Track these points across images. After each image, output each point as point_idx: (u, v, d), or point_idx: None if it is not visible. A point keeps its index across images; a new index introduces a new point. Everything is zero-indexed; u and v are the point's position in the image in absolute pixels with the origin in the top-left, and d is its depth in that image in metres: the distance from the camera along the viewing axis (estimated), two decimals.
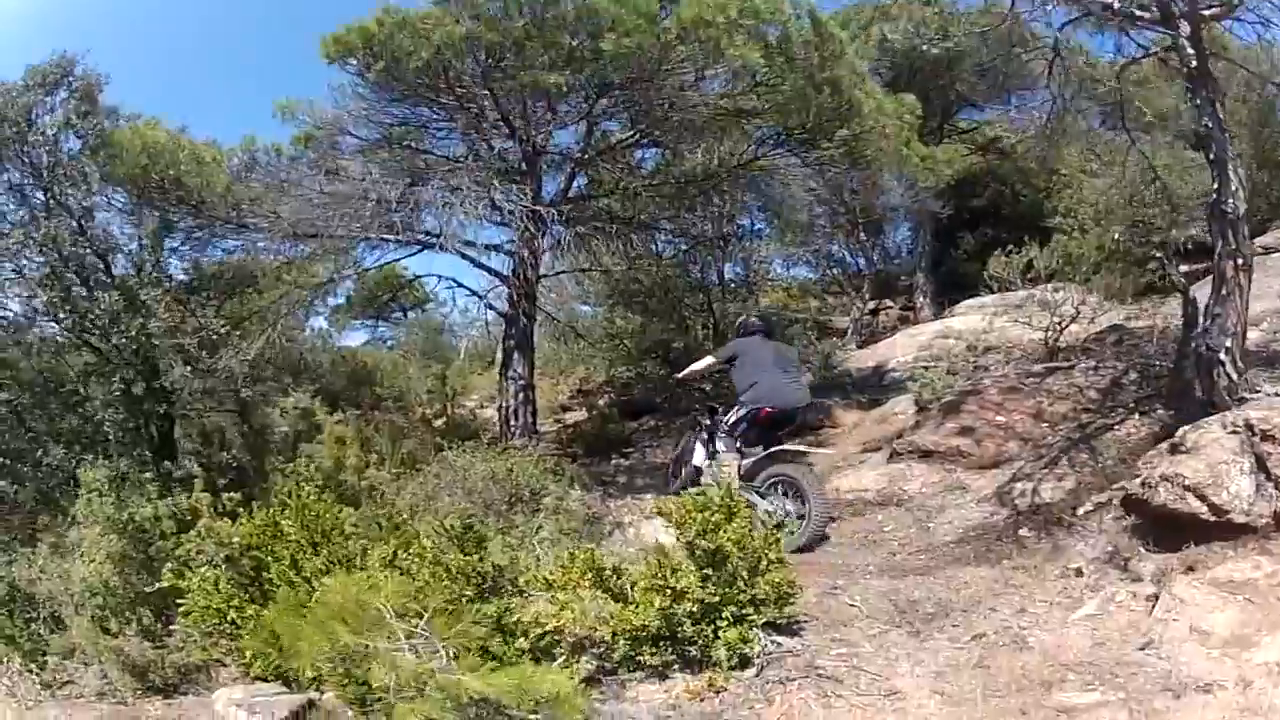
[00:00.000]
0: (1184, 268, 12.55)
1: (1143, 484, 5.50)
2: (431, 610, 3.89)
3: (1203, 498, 5.02)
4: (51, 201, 9.65)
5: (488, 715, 3.47)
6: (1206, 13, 6.86)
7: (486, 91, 9.86)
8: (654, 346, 14.84)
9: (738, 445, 7.70)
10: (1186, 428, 5.62)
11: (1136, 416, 7.51)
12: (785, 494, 7.18)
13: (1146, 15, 7.11)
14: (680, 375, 8.97)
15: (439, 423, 14.06)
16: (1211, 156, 6.67)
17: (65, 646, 5.55)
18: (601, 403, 15.69)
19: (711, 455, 7.89)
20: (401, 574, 4.40)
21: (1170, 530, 5.18)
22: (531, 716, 3.45)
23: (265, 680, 4.67)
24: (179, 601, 5.26)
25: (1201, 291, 7.10)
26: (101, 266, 9.93)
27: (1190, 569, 4.79)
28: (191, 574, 5.30)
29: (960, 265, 18.18)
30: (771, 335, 8.48)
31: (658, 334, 14.82)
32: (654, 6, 8.56)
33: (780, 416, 7.65)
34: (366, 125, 10.57)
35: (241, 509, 6.03)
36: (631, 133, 11.17)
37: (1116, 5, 7.03)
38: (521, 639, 4.35)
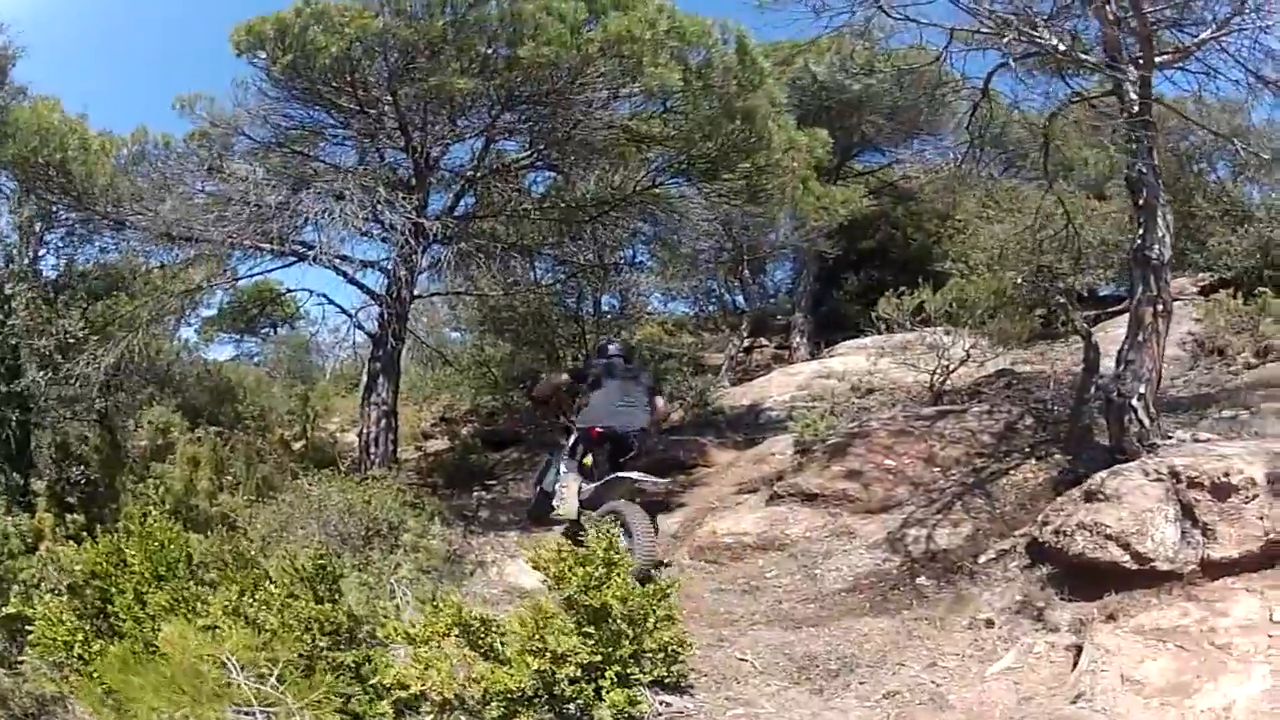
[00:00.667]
0: (1080, 314, 12.99)
1: (1056, 532, 5.40)
2: (282, 664, 3.44)
3: (1126, 546, 4.94)
4: None
5: None
6: (1159, 59, 6.97)
7: (390, 96, 9.56)
8: (522, 376, 14.53)
9: (578, 469, 7.85)
10: (1103, 474, 5.55)
11: (1033, 461, 7.40)
12: (619, 526, 6.88)
13: (1092, 60, 7.23)
14: (534, 392, 9.25)
15: (299, 445, 13.67)
16: (1141, 202, 6.73)
17: None
18: (465, 432, 15.31)
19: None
20: (247, 623, 3.90)
21: (1086, 579, 5.09)
22: None
23: None
24: (29, 627, 4.94)
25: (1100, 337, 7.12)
26: None
27: (1111, 618, 4.69)
28: (37, 601, 5.07)
29: (843, 306, 18.50)
30: (630, 360, 8.79)
31: (527, 363, 14.54)
32: (581, 17, 8.41)
33: (613, 438, 7.84)
34: (263, 126, 10.11)
35: (86, 532, 5.70)
36: (528, 153, 10.93)
37: (1063, 48, 7.11)
38: (384, 701, 3.93)
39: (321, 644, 4.11)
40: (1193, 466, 5.07)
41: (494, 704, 3.97)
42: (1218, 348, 10.62)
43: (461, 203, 11.22)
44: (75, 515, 6.92)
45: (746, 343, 19.52)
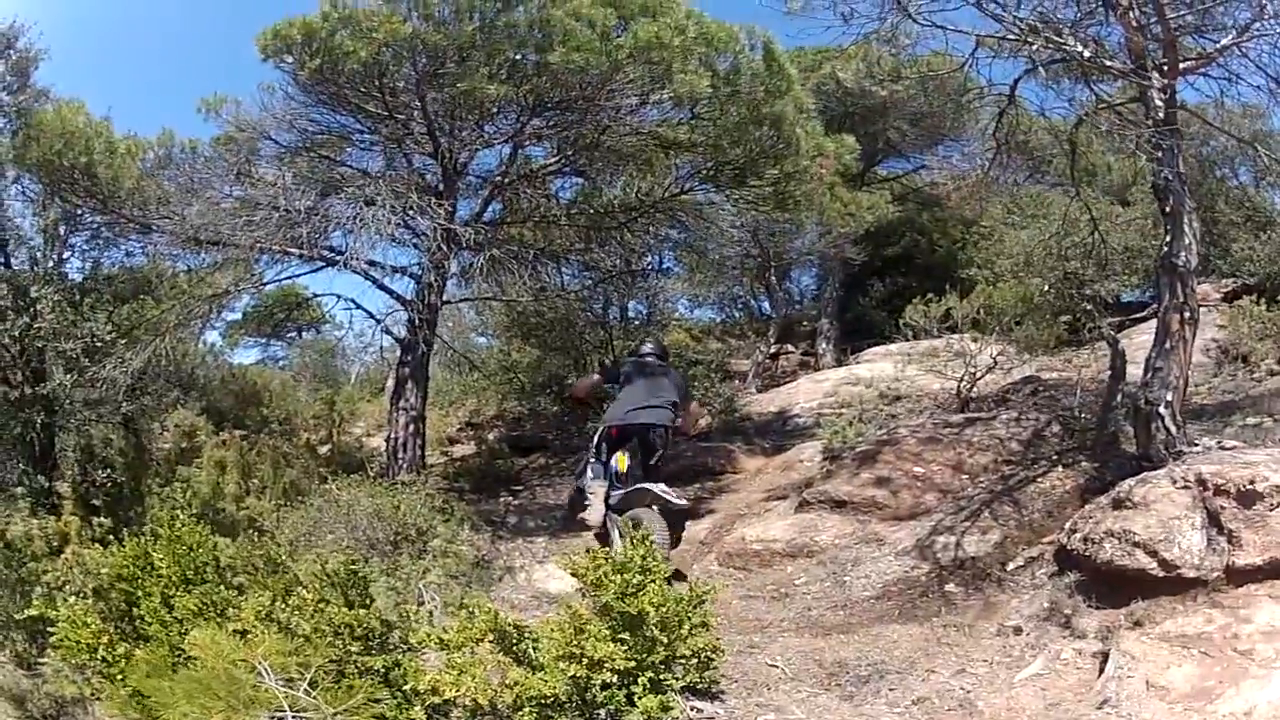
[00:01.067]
0: (1106, 320, 12.97)
1: (1084, 539, 5.41)
2: (315, 670, 3.51)
3: (1153, 554, 4.94)
4: None
5: None
6: (1183, 65, 6.97)
7: (418, 101, 9.55)
8: (549, 381, 14.66)
9: (604, 471, 7.93)
10: (1130, 482, 5.55)
11: (1060, 469, 7.37)
12: None
13: (1117, 66, 7.24)
14: (570, 392, 9.49)
15: (325, 449, 13.68)
16: (1168, 209, 6.74)
17: None
18: (491, 437, 15.20)
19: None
20: (280, 628, 3.96)
21: (1113, 586, 5.08)
22: None
23: None
24: (50, 629, 4.86)
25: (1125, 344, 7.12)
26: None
27: (1137, 624, 4.69)
28: (61, 603, 4.96)
29: (868, 312, 18.51)
30: (665, 358, 8.81)
31: (554, 369, 14.63)
32: (610, 23, 8.44)
33: (633, 434, 7.92)
34: (289, 130, 10.17)
35: (113, 535, 5.81)
36: (556, 159, 10.91)
37: (1087, 55, 7.11)
38: (416, 707, 3.97)
39: (353, 649, 4.14)
40: (1219, 474, 5.06)
41: (526, 710, 4.01)
42: (1241, 354, 10.65)
43: (489, 209, 11.25)
44: (101, 518, 6.93)
45: (773, 349, 19.52)
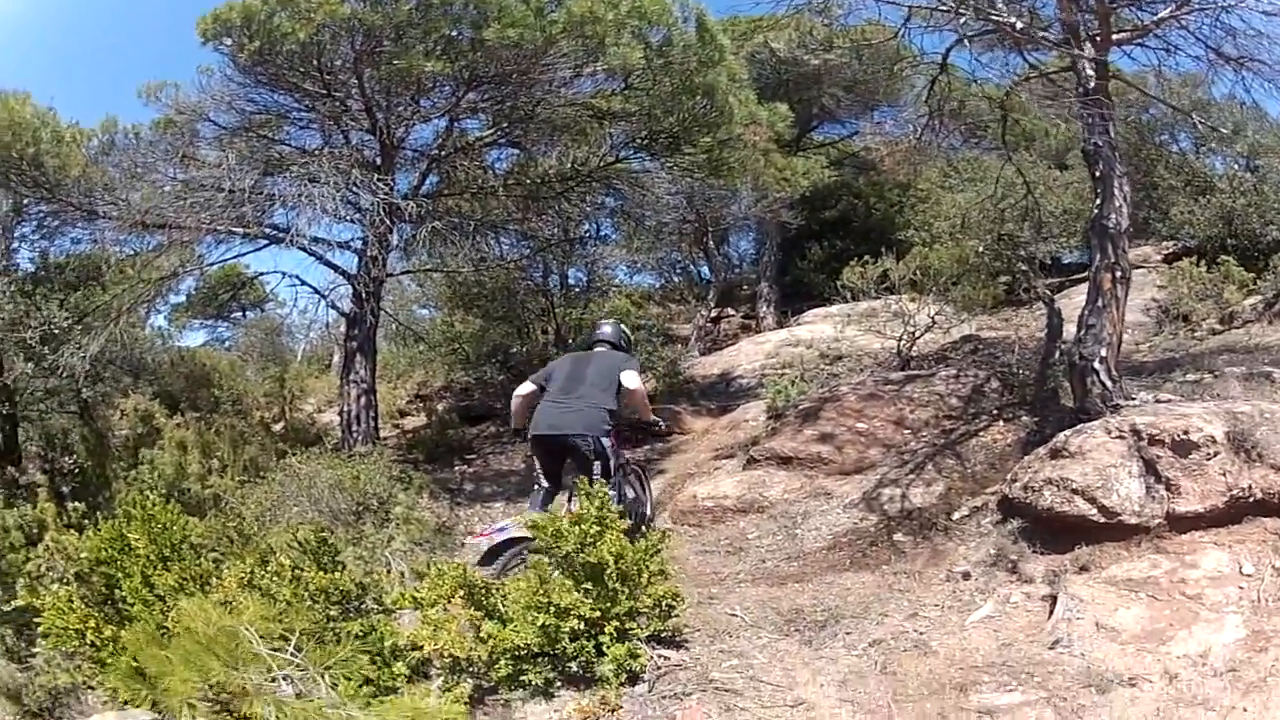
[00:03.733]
0: (1043, 281, 13.23)
1: (1024, 488, 5.58)
2: (299, 634, 3.61)
3: (1092, 500, 5.11)
4: None
5: None
6: (1117, 37, 7.16)
7: (355, 80, 9.68)
8: (494, 350, 14.73)
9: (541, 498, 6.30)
10: (1067, 433, 5.73)
11: (1001, 423, 7.61)
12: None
13: (1051, 38, 7.39)
14: (514, 424, 6.89)
15: (278, 427, 13.68)
16: (1098, 173, 6.94)
17: None
18: (441, 408, 15.30)
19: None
20: (262, 595, 4.01)
21: (1058, 533, 5.25)
22: None
23: (135, 706, 4.15)
24: (37, 620, 4.77)
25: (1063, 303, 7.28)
26: None
27: (1084, 569, 4.86)
28: (44, 591, 4.89)
29: (807, 275, 18.68)
30: (620, 345, 6.97)
31: (498, 338, 14.71)
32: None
33: (554, 445, 6.22)
34: (228, 111, 10.22)
35: (87, 520, 5.79)
36: (491, 131, 11.07)
37: (1020, 26, 7.23)
38: (399, 663, 4.06)
39: (332, 613, 4.22)
40: (1154, 425, 5.22)
41: (501, 662, 4.13)
42: (1182, 314, 10.93)
43: (427, 181, 11.35)
44: (76, 504, 6.79)
45: (714, 313, 19.81)
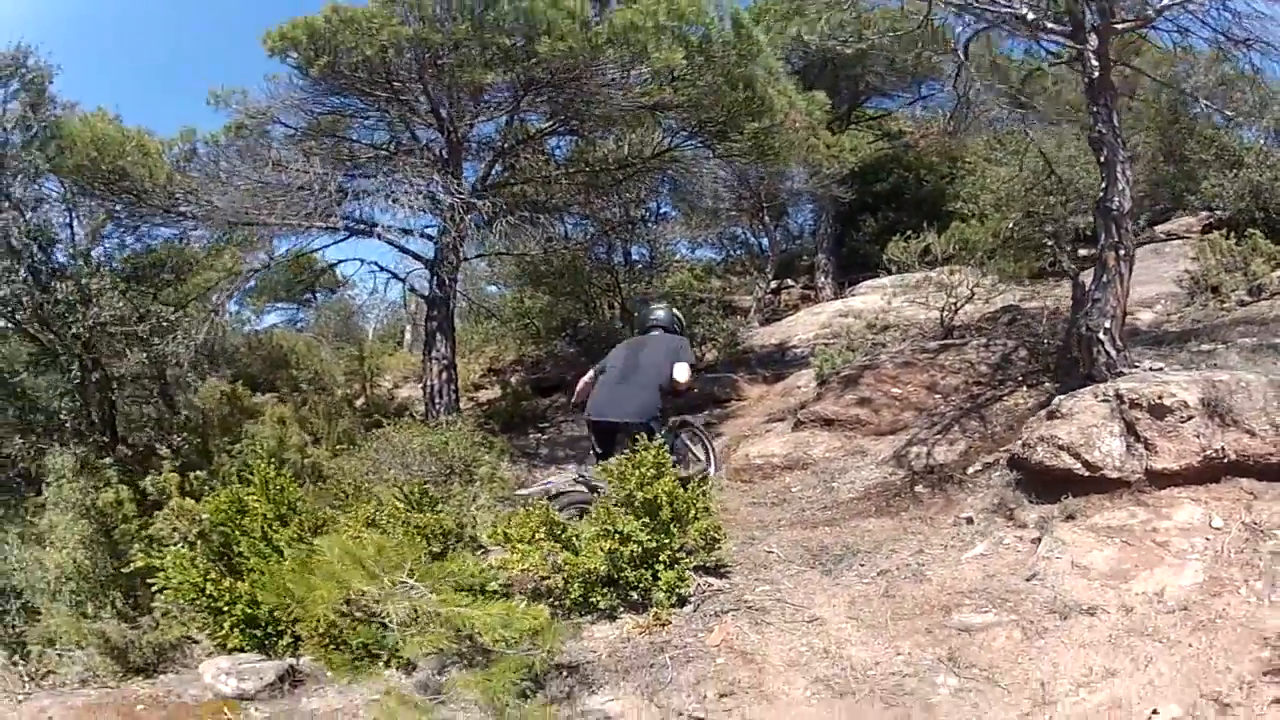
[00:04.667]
0: (1085, 251, 13.55)
1: (1023, 445, 6.29)
2: (411, 563, 4.47)
3: (1077, 455, 5.78)
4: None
5: (475, 648, 4.13)
6: (1119, 26, 7.59)
7: (420, 85, 10.46)
8: (562, 325, 15.49)
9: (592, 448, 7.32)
10: (1062, 397, 6.42)
11: (1024, 389, 8.24)
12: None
13: (1057, 27, 7.74)
14: (574, 401, 7.95)
15: (359, 402, 14.52)
16: (1102, 159, 7.41)
17: (43, 636, 5.74)
18: (514, 380, 16.19)
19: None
20: (380, 532, 4.94)
21: (1052, 485, 5.90)
22: (512, 646, 4.03)
23: (243, 651, 4.99)
24: (148, 582, 5.48)
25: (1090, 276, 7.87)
26: (43, 258, 10.03)
27: (1070, 517, 5.52)
28: (162, 553, 5.50)
29: (862, 247, 19.16)
30: (673, 328, 7.73)
31: (566, 313, 15.41)
32: (587, 11, 9.29)
33: (605, 427, 7.00)
34: (297, 114, 11.06)
35: (208, 488, 6.43)
36: (550, 122, 11.80)
37: (1030, 17, 7.63)
38: (492, 583, 4.94)
39: (434, 548, 5.16)
40: (1134, 390, 5.86)
41: (574, 587, 5.09)
42: (1211, 285, 11.19)
43: (493, 172, 12.12)
44: (198, 473, 7.53)
45: (774, 284, 20.33)
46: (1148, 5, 7.93)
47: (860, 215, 19.90)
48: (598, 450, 7.09)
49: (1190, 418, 5.61)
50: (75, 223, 10.79)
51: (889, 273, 13.12)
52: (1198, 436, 5.54)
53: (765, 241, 22.18)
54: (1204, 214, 14.84)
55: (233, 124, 10.84)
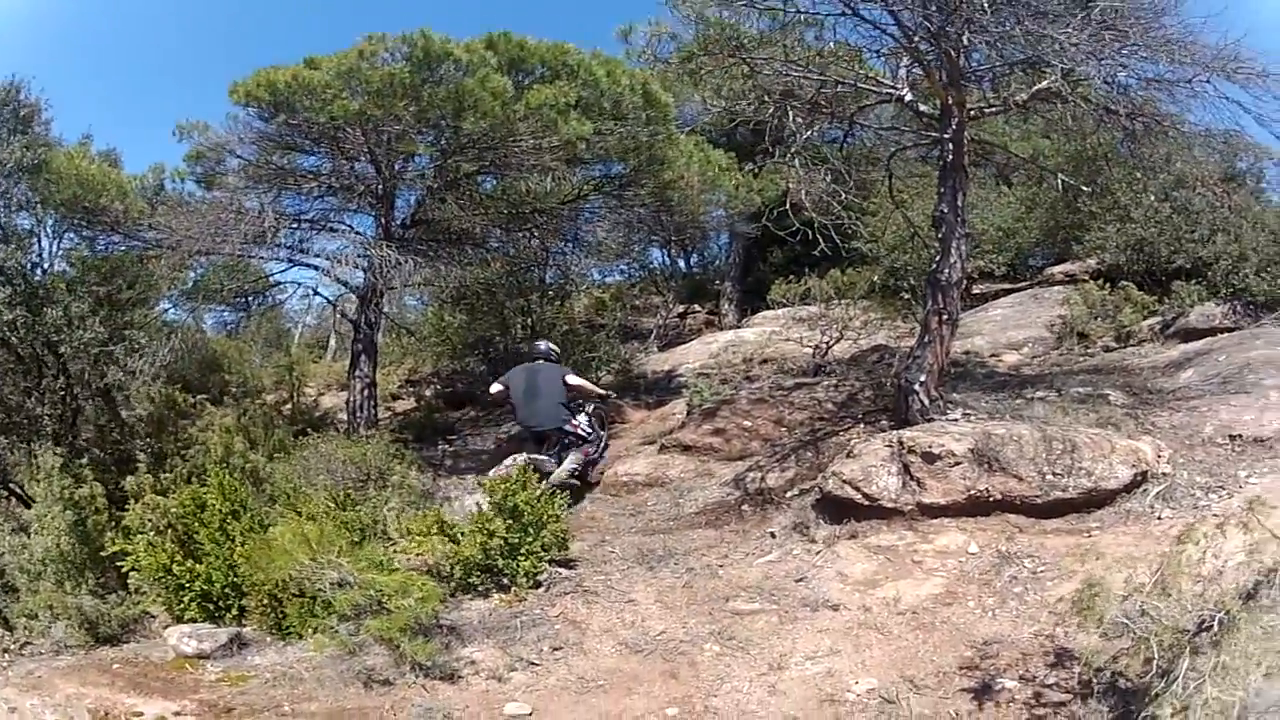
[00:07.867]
0: (982, 287, 15.49)
1: (823, 476, 7.85)
2: (339, 547, 6.32)
3: (857, 488, 7.34)
4: None
5: (379, 605, 5.81)
6: (988, 111, 8.96)
7: (363, 140, 12.14)
8: (477, 343, 16.69)
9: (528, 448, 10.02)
10: (855, 440, 8.03)
11: (862, 426, 9.49)
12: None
13: (927, 110, 9.15)
14: (489, 396, 11.38)
15: (286, 409, 15.57)
16: (940, 235, 8.81)
17: (22, 611, 6.74)
18: (428, 394, 17.58)
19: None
20: (315, 525, 6.61)
21: (842, 510, 7.43)
22: (406, 601, 5.73)
23: (196, 622, 6.50)
24: (118, 565, 6.98)
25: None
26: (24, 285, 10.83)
27: (852, 536, 7.07)
28: (135, 540, 6.99)
29: (767, 277, 20.03)
30: (551, 358, 10.74)
31: (481, 332, 16.62)
32: (508, 92, 10.85)
33: (538, 432, 10.14)
34: (251, 149, 12.54)
35: (172, 486, 7.99)
36: (476, 166, 13.25)
37: (909, 98, 9.08)
38: (396, 564, 6.57)
39: (354, 538, 6.83)
40: (913, 439, 7.36)
41: (457, 569, 6.84)
42: (1079, 332, 12.49)
43: (424, 204, 13.79)
44: (166, 474, 8.79)
45: (681, 309, 21.73)
46: (1010, 93, 9.20)
47: (769, 247, 20.98)
48: (534, 444, 10.06)
49: (959, 463, 7.08)
50: (53, 248, 12.14)
51: (784, 306, 14.47)
52: (964, 479, 7.01)
53: (682, 262, 24.01)
54: (1093, 261, 15.73)
55: (193, 152, 12.39)
